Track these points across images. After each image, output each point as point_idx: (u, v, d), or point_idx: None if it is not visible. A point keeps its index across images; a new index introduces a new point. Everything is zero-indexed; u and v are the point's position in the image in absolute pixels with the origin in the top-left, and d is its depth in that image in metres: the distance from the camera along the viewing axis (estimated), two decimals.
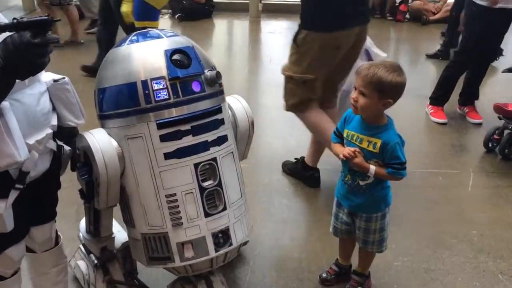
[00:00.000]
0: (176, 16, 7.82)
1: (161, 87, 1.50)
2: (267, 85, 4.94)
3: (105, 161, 1.52)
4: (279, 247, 2.33)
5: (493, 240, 2.43)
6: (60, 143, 1.53)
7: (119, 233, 1.96)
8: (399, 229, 2.49)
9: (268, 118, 3.77)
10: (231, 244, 1.64)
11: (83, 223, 1.93)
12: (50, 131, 1.46)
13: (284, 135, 3.62)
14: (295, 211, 2.64)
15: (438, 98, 3.94)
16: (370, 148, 1.76)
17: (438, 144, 3.54)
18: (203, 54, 1.64)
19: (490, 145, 3.34)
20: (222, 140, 1.63)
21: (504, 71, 3.21)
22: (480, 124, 3.83)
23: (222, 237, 1.63)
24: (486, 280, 2.15)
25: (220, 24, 7.87)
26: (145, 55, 1.54)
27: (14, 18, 1.16)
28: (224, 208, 1.63)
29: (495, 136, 3.29)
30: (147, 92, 1.49)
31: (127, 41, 1.62)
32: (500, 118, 3.26)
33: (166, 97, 1.50)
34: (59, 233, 1.76)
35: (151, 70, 1.51)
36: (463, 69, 3.87)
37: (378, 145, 1.74)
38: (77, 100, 1.54)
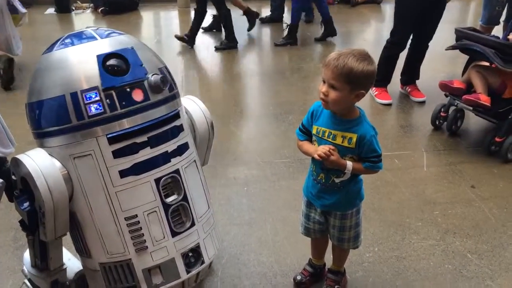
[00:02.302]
0: (99, 10, 7.38)
1: (93, 99, 1.28)
2: (207, 78, 4.76)
3: (48, 186, 1.31)
4: (246, 252, 2.20)
5: (456, 218, 2.45)
6: None
7: (70, 262, 1.74)
8: (364, 218, 2.42)
9: (214, 113, 3.59)
10: (203, 262, 1.50)
11: (27, 256, 1.68)
12: None
13: (234, 130, 3.48)
14: (258, 211, 2.51)
15: (381, 79, 3.96)
16: (345, 144, 1.65)
17: (387, 126, 3.55)
18: (149, 55, 1.44)
19: (437, 123, 3.40)
20: (183, 148, 1.47)
21: (447, 49, 3.25)
22: (423, 102, 3.90)
23: (192, 256, 1.48)
24: (457, 261, 2.15)
25: (147, 16, 7.53)
26: (76, 62, 1.33)
27: None
28: (192, 224, 1.47)
29: (442, 113, 3.34)
30: (77, 106, 1.28)
31: (58, 45, 1.40)
32: (446, 96, 3.31)
33: (100, 110, 1.29)
34: None
35: (82, 80, 1.30)
36: (400, 48, 3.91)
37: (354, 139, 1.63)
38: (3, 126, 1.29)
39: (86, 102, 1.28)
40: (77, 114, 1.28)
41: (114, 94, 1.30)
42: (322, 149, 1.62)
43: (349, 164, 1.64)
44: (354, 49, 1.60)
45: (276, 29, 6.35)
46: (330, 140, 1.67)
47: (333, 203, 1.76)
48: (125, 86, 1.32)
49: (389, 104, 3.90)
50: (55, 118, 1.31)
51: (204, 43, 5.87)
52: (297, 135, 1.80)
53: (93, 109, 1.28)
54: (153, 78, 1.36)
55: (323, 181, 1.74)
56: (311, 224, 1.87)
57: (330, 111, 1.67)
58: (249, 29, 6.10)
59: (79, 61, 1.33)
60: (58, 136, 1.32)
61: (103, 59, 1.32)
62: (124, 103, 1.31)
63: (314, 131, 1.72)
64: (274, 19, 6.59)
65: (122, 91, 1.31)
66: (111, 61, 1.33)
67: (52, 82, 1.32)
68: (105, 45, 1.37)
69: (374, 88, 4.00)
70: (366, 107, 3.87)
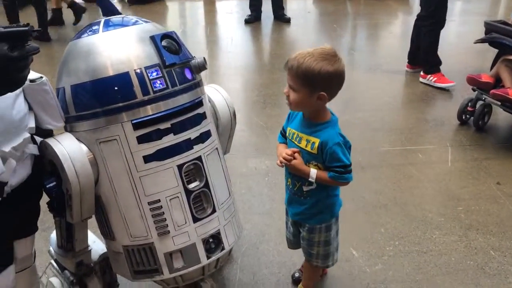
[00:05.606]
0: None
1: (156, 76, 1.34)
2: (231, 68, 4.77)
3: (75, 170, 1.34)
4: (266, 241, 2.22)
5: (480, 215, 2.41)
6: None
7: (95, 244, 1.78)
8: (386, 211, 2.43)
9: (237, 103, 3.61)
10: (223, 249, 1.51)
11: (53, 237, 1.73)
12: (27, 135, 1.28)
13: (256, 120, 3.49)
14: (278, 201, 2.51)
15: (435, 64, 3.96)
16: (308, 149, 1.54)
17: (412, 119, 3.50)
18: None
19: (463, 117, 3.33)
20: (205, 136, 1.48)
21: (476, 42, 3.18)
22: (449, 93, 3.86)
23: (213, 242, 1.50)
24: (479, 257, 2.12)
25: (173, 7, 7.57)
26: (128, 43, 1.36)
27: None
28: (213, 211, 1.49)
29: (469, 108, 3.28)
30: (143, 82, 1.32)
31: (90, 32, 1.42)
32: (474, 90, 3.24)
33: (163, 86, 1.34)
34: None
35: (142, 57, 1.34)
36: (441, 28, 3.93)
37: (316, 145, 1.52)
38: (56, 102, 1.34)
39: (151, 78, 1.33)
40: (142, 89, 1.32)
41: (173, 71, 1.37)
42: (286, 152, 1.55)
43: (313, 171, 1.53)
44: (318, 47, 1.49)
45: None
46: (296, 142, 1.59)
47: (300, 212, 1.67)
48: (181, 64, 1.40)
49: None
50: (119, 94, 1.31)
51: (230, 35, 5.89)
52: (278, 138, 1.74)
53: (157, 84, 1.34)
54: (198, 59, 1.44)
55: (291, 187, 1.66)
56: (288, 233, 1.83)
57: (302, 113, 1.60)
58: (74, 23, 5.88)
59: (135, 40, 1.37)
60: (89, 120, 1.34)
61: (160, 39, 1.38)
62: (181, 79, 1.39)
63: (287, 133, 1.66)
64: (258, 18, 6.29)
65: (179, 68, 1.39)
66: (164, 42, 1.40)
67: (110, 61, 1.33)
68: (152, 28, 1.43)
69: (431, 76, 3.98)
70: (390, 100, 3.84)
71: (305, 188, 1.61)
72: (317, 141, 1.53)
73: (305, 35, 6.01)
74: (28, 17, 5.64)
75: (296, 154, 1.55)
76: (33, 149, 1.32)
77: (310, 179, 1.54)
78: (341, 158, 1.51)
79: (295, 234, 1.79)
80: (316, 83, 1.46)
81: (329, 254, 1.74)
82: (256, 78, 4.43)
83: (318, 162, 1.56)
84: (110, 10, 5.05)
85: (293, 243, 1.84)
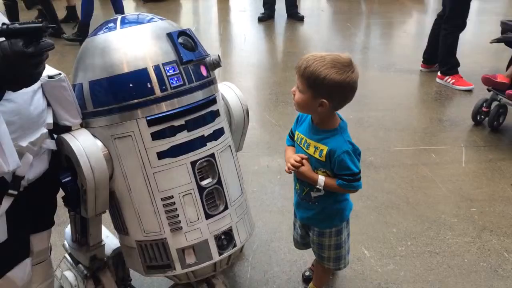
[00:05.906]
0: None
1: (173, 72, 1.36)
2: (244, 66, 4.79)
3: (91, 165, 1.36)
4: (277, 239, 2.22)
5: (494, 216, 2.38)
6: None
7: (109, 239, 1.80)
8: (398, 211, 2.42)
9: (250, 101, 3.62)
10: (235, 245, 1.52)
11: (68, 231, 1.76)
12: (45, 130, 1.30)
13: (269, 119, 3.49)
14: (290, 199, 2.48)
15: (454, 66, 3.92)
16: (317, 156, 1.51)
17: (425, 119, 3.48)
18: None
19: (478, 118, 3.30)
20: (218, 133, 1.49)
21: (492, 42, 3.15)
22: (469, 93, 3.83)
23: (225, 238, 1.51)
24: (493, 259, 2.10)
25: (187, 4, 7.61)
26: (145, 40, 1.37)
27: (3, 24, 1.01)
28: (226, 208, 1.50)
29: (484, 109, 3.25)
30: (161, 78, 1.33)
31: (106, 29, 1.44)
32: (489, 90, 3.21)
33: (180, 82, 1.36)
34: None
35: (159, 54, 1.36)
36: (462, 28, 3.90)
37: (324, 152, 1.49)
38: (74, 98, 1.36)
39: (168, 74, 1.35)
40: (160, 85, 1.33)
41: (189, 68, 1.39)
42: (294, 159, 1.52)
43: (321, 178, 1.51)
44: (334, 53, 1.44)
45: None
46: (304, 148, 1.57)
47: (309, 217, 1.67)
48: (197, 61, 1.42)
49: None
50: (136, 90, 1.33)
51: (243, 33, 5.90)
52: (286, 140, 1.72)
53: (174, 81, 1.36)
54: (213, 56, 1.46)
55: (299, 192, 1.65)
56: (295, 234, 1.83)
57: (310, 118, 1.57)
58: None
59: (152, 37, 1.38)
60: (104, 116, 1.36)
61: (177, 36, 1.40)
62: (197, 76, 1.40)
63: (295, 137, 1.64)
64: (271, 16, 6.29)
65: (195, 65, 1.41)
66: (181, 39, 1.41)
67: (128, 57, 1.34)
68: (168, 26, 1.44)
69: (449, 77, 3.95)
70: (404, 100, 3.82)
71: (313, 194, 1.60)
72: (325, 149, 1.50)
73: (319, 34, 5.99)
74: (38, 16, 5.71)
75: (304, 161, 1.53)
76: (50, 144, 1.34)
77: (318, 186, 1.53)
78: (349, 166, 1.49)
79: (303, 236, 1.79)
80: (319, 89, 1.43)
81: (340, 257, 1.73)
82: (269, 76, 4.43)
83: (327, 169, 1.53)
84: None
85: (300, 244, 1.85)
